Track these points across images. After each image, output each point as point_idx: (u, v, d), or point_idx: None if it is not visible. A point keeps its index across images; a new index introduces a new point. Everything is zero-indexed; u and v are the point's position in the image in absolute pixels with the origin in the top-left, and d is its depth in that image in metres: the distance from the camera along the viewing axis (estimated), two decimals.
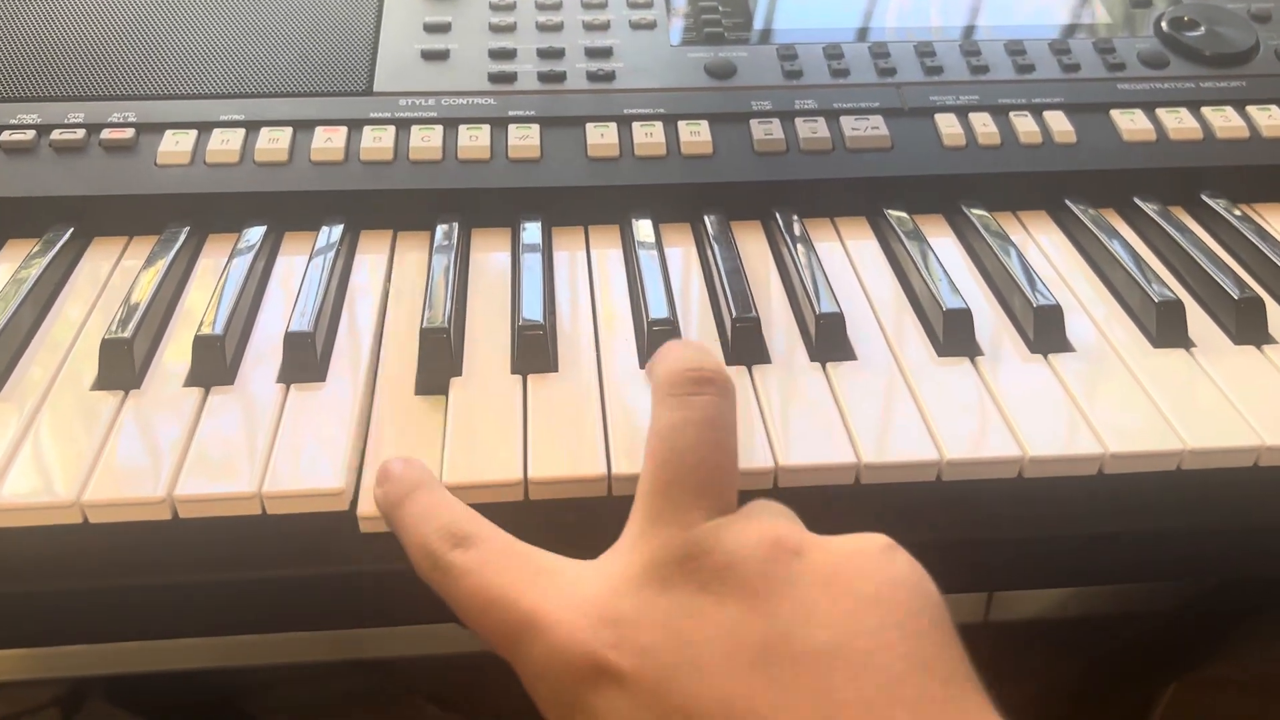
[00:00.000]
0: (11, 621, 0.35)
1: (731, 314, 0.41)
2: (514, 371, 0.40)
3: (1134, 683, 0.94)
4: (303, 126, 0.50)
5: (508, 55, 0.54)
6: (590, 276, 0.46)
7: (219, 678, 1.12)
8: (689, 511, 0.28)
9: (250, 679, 1.14)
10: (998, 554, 0.38)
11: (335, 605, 0.36)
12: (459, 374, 0.40)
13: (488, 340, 0.41)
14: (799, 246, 0.46)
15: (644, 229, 0.47)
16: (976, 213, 0.49)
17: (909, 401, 0.39)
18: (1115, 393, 0.39)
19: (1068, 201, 0.51)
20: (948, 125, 0.52)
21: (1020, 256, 0.46)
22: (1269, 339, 0.43)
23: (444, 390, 0.39)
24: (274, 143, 0.49)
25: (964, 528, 0.37)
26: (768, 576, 0.26)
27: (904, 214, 0.49)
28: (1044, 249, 0.49)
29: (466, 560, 0.29)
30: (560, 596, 0.28)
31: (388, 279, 0.46)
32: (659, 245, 0.46)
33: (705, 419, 0.30)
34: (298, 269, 0.45)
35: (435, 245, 0.46)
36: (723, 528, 0.28)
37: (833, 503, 0.36)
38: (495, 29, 0.56)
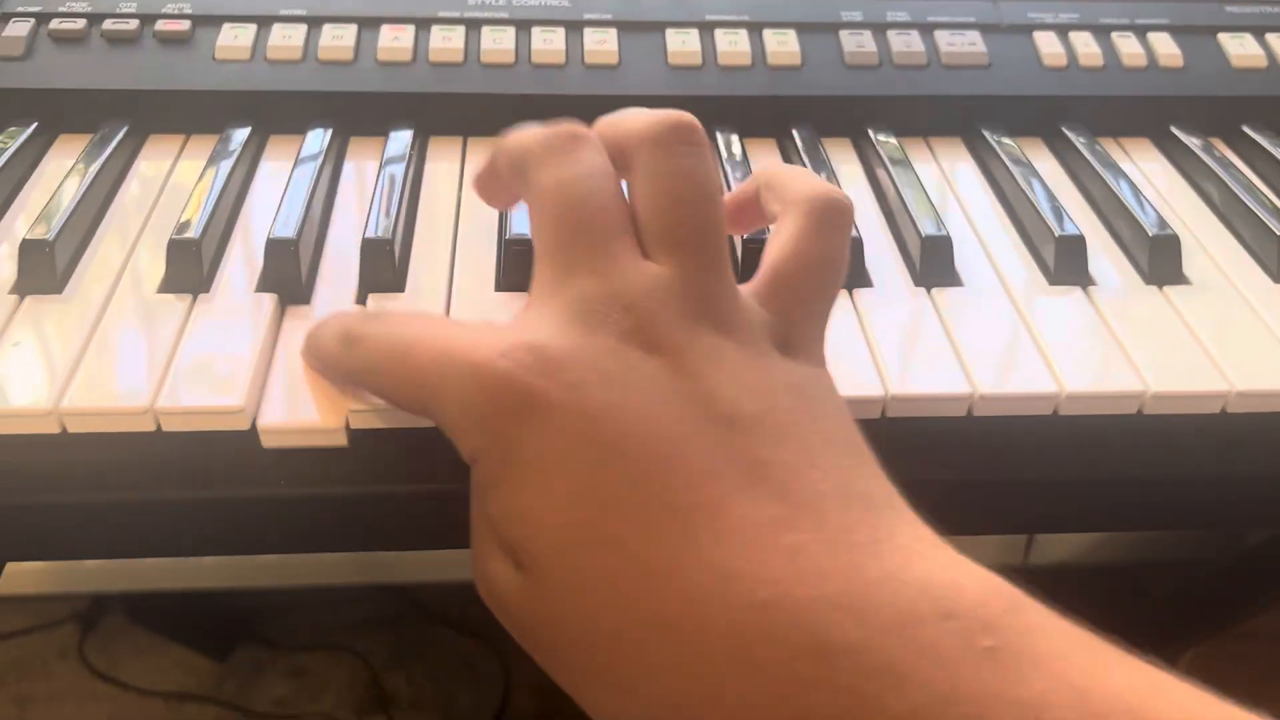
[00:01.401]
0: (88, 532, 0.33)
1: None
2: None
3: (1168, 632, 0.94)
4: (368, 24, 0.47)
5: None
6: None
7: (237, 599, 1.12)
8: (599, 262, 0.26)
9: (268, 601, 1.14)
10: (1117, 494, 0.36)
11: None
12: None
13: None
14: (896, 166, 0.44)
15: (729, 143, 0.45)
16: (1080, 137, 0.47)
17: (1023, 332, 0.37)
18: (1237, 329, 0.37)
19: (1173, 129, 0.48)
20: (1048, 45, 0.49)
21: (1131, 185, 0.43)
22: None
23: None
24: (338, 40, 0.46)
25: (1080, 466, 0.35)
26: (693, 339, 0.25)
27: (1006, 136, 0.46)
28: (1148, 176, 0.46)
29: (376, 326, 0.28)
30: (478, 334, 0.26)
31: (459, 187, 0.43)
32: (745, 161, 0.44)
33: (589, 170, 0.28)
34: (367, 174, 0.43)
35: None
36: (643, 284, 0.26)
37: (942, 437, 0.34)
38: None
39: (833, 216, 0.29)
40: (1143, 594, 1.02)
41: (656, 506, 0.23)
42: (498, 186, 0.32)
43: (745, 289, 0.28)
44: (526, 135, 0.29)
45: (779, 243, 0.29)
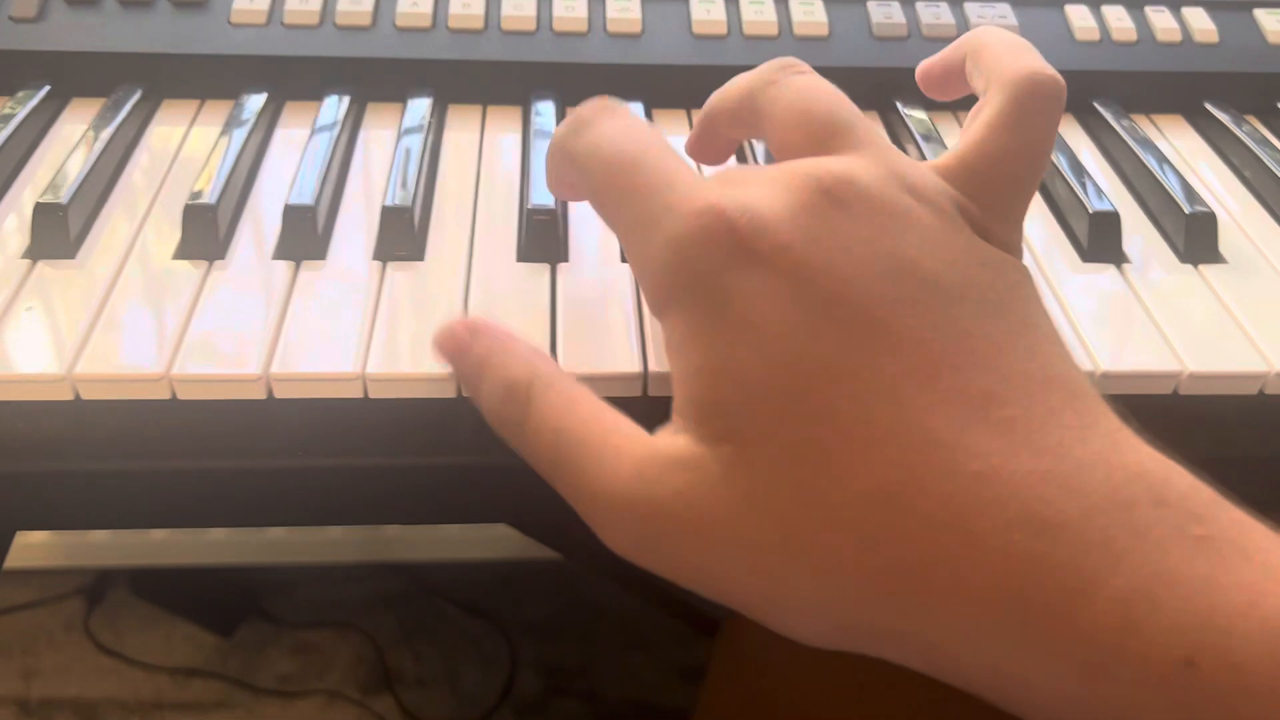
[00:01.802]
0: (101, 501, 0.32)
1: None
2: (624, 260, 0.37)
3: None
4: None
5: None
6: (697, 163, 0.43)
7: (242, 575, 1.12)
8: (832, 149, 0.27)
9: (274, 578, 1.14)
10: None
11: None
12: (565, 260, 0.37)
13: (593, 226, 0.38)
14: (927, 142, 0.43)
15: None
16: (1112, 113, 0.46)
17: (1057, 310, 0.36)
18: (1275, 309, 0.36)
19: (1207, 105, 0.47)
20: (1080, 18, 0.48)
21: (1165, 161, 0.42)
22: None
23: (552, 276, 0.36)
24: (356, 5, 0.45)
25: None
26: (890, 200, 0.25)
27: None
28: (1181, 153, 0.45)
29: (609, 121, 0.28)
30: (700, 180, 0.25)
31: (480, 156, 0.42)
32: None
33: (817, 84, 0.28)
34: (385, 142, 0.42)
35: (533, 127, 0.43)
36: (857, 159, 0.26)
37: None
38: None
39: (1041, 102, 0.28)
40: None
41: (868, 373, 0.22)
42: (716, 139, 0.34)
43: (937, 167, 0.27)
44: (742, 77, 0.31)
45: (978, 125, 0.28)
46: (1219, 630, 0.20)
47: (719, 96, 0.32)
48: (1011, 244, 0.27)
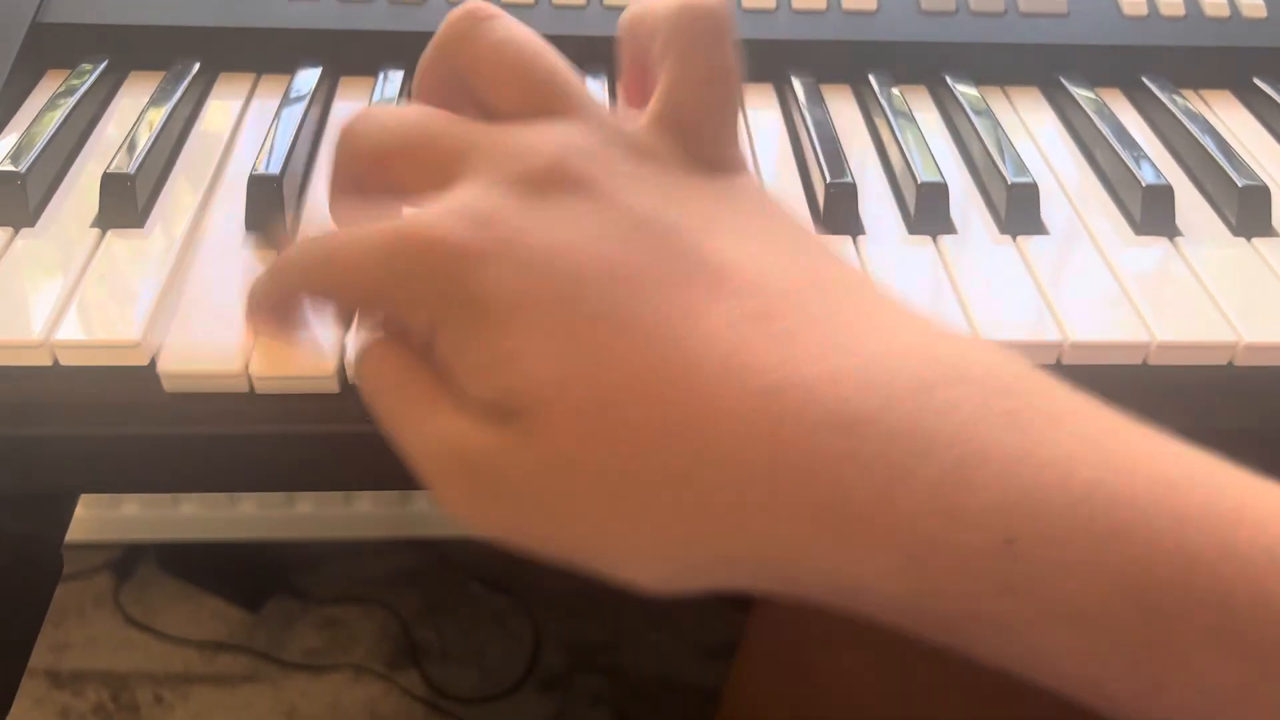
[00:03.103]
0: (170, 465, 0.33)
1: (916, 180, 0.39)
2: None
3: None
4: None
5: None
6: (749, 138, 0.43)
7: (269, 550, 1.13)
8: (537, 112, 0.26)
9: (301, 553, 1.15)
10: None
11: None
12: None
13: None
14: (978, 116, 0.43)
15: (808, 89, 0.44)
16: (1161, 88, 0.46)
17: (1111, 281, 0.36)
18: None
19: (1256, 80, 0.47)
20: None
21: (1216, 136, 0.42)
22: None
23: None
24: None
25: (1166, 418, 0.35)
26: (612, 169, 0.25)
27: (1085, 85, 0.46)
28: (1230, 128, 0.45)
29: (290, 252, 0.27)
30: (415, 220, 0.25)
31: None
32: (823, 103, 0.43)
33: (520, 32, 0.28)
34: None
35: None
36: (577, 125, 0.26)
37: None
38: None
39: (700, 25, 0.27)
40: None
41: (638, 324, 0.22)
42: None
43: (642, 123, 0.27)
44: (434, 40, 0.29)
45: (662, 75, 0.27)
46: (1035, 505, 0.20)
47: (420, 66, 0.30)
48: (735, 162, 0.27)
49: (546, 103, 0.26)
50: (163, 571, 1.14)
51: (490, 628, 1.11)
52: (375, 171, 0.27)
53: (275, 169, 0.37)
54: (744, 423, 0.21)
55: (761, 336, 0.22)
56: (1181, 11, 0.47)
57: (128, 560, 1.14)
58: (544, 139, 0.25)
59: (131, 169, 0.36)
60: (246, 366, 0.31)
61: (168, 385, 0.31)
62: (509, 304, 0.23)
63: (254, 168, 0.37)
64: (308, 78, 0.43)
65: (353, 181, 0.28)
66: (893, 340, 0.22)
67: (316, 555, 1.16)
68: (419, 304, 0.24)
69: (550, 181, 0.24)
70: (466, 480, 0.24)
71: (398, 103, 0.42)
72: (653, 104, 0.27)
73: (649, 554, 0.23)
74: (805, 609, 0.54)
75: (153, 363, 0.31)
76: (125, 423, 0.32)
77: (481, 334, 0.23)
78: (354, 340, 0.29)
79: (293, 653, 1.09)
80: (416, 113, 0.27)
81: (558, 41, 0.45)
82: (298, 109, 0.41)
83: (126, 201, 0.36)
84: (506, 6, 0.45)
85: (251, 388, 0.31)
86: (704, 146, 0.27)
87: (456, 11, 0.28)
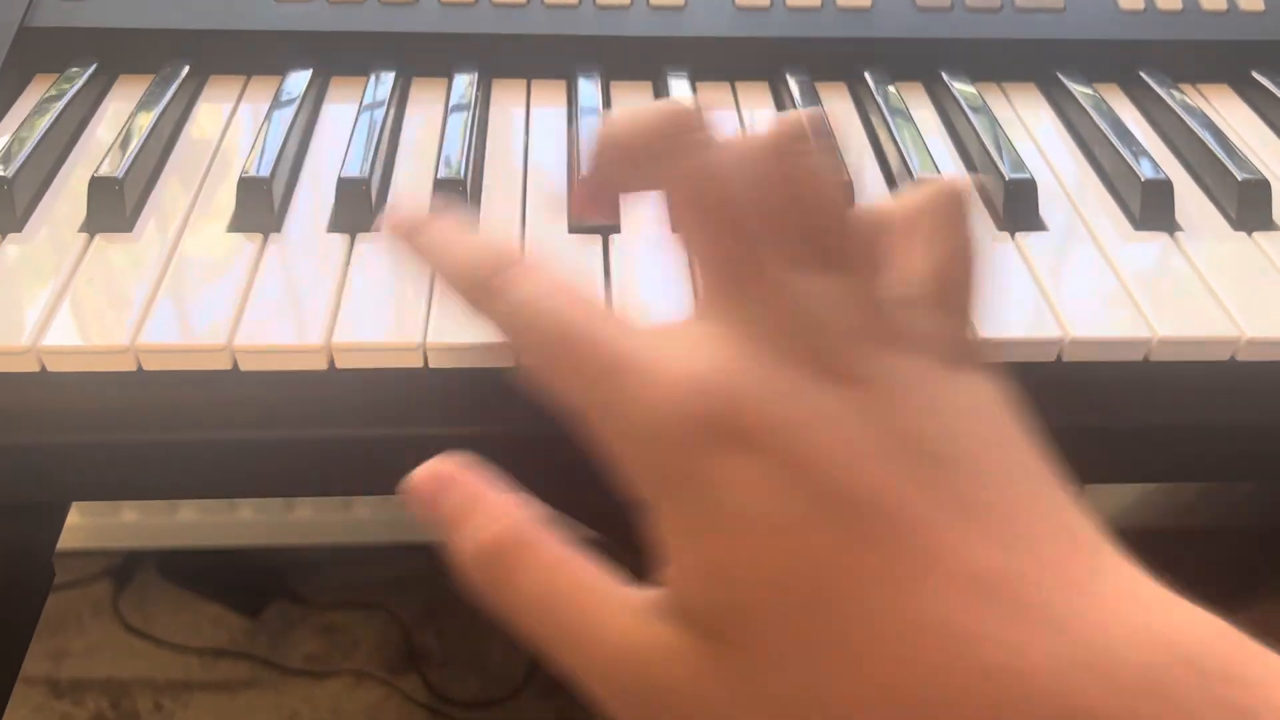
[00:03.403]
0: (166, 470, 0.33)
1: (913, 178, 0.38)
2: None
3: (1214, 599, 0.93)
4: None
5: None
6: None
7: (268, 556, 1.12)
8: (765, 272, 0.23)
9: (299, 558, 1.14)
10: (1201, 441, 0.35)
11: None
12: (618, 231, 0.37)
13: (640, 199, 0.38)
14: (975, 112, 0.42)
15: (802, 86, 0.44)
16: (1158, 82, 0.45)
17: (1111, 277, 0.36)
18: None
19: (1255, 73, 0.47)
20: None
21: (1215, 130, 0.42)
22: None
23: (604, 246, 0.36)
24: None
25: (1168, 413, 0.34)
26: (880, 368, 0.23)
27: (1083, 81, 0.45)
28: (1229, 122, 0.45)
29: (531, 283, 0.24)
30: (655, 348, 0.23)
31: (526, 129, 0.43)
32: (818, 100, 0.43)
33: (732, 161, 0.24)
34: (433, 116, 0.42)
35: (579, 103, 0.43)
36: (820, 304, 0.23)
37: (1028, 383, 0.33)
38: None
39: (963, 203, 0.26)
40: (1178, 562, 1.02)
41: (874, 561, 0.21)
42: (607, 186, 0.27)
43: (913, 299, 0.25)
44: (646, 114, 0.25)
45: (921, 249, 0.26)
46: None
47: (619, 131, 0.25)
48: (976, 345, 0.25)
49: (826, 253, 0.24)
50: (162, 578, 1.13)
51: (491, 632, 1.11)
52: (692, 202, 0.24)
53: (265, 171, 0.37)
54: (966, 704, 0.20)
55: (994, 600, 0.20)
56: (1179, 5, 0.47)
57: (126, 567, 1.14)
58: (818, 304, 0.23)
59: (119, 173, 0.36)
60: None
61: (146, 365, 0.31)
62: (744, 513, 0.21)
63: (244, 169, 0.37)
64: (298, 80, 0.43)
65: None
66: (1129, 616, 0.21)
67: (316, 560, 1.16)
68: (649, 467, 0.22)
69: (824, 360, 0.22)
70: (652, 707, 0.22)
71: (385, 109, 0.42)
72: (925, 283, 0.25)
73: None
74: None
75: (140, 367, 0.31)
76: (117, 429, 0.31)
77: (704, 533, 0.21)
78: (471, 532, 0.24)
79: (293, 658, 1.08)
80: (744, 156, 0.24)
81: (551, 41, 0.45)
82: (288, 111, 0.40)
83: (115, 205, 0.36)
84: (496, 6, 0.45)
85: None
86: (967, 329, 0.25)
87: (783, 120, 0.24)
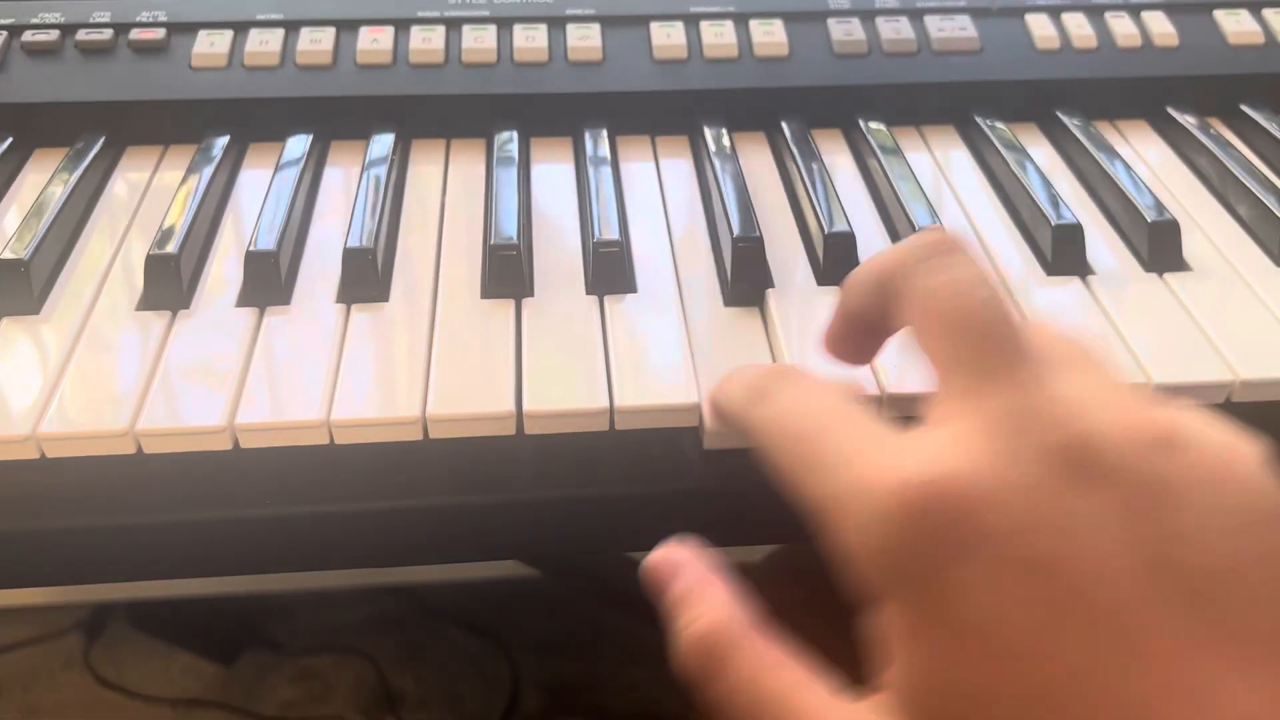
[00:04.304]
0: (62, 556, 0.32)
1: (824, 229, 0.38)
2: (589, 292, 0.37)
3: None
4: (346, 27, 0.46)
5: None
6: (661, 190, 0.43)
7: (241, 603, 1.12)
8: (1017, 370, 0.22)
9: (273, 604, 1.14)
10: None
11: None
12: (530, 295, 0.37)
13: (559, 259, 0.38)
14: (888, 155, 0.43)
15: (718, 137, 0.44)
16: (1074, 121, 0.46)
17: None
18: (1240, 316, 0.36)
19: (1170, 109, 0.47)
20: (1040, 27, 0.48)
21: (1128, 169, 0.42)
22: None
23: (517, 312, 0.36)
24: (316, 44, 0.45)
25: None
26: (1144, 471, 0.21)
27: (999, 122, 0.45)
28: (1145, 159, 0.45)
29: (786, 391, 0.26)
30: (887, 449, 0.22)
31: (444, 191, 0.43)
32: (734, 155, 0.43)
33: (980, 277, 0.24)
34: (349, 179, 0.42)
35: (496, 157, 0.43)
36: (1079, 398, 0.22)
37: None
38: None
39: (934, 252, 0.25)
40: None
41: (1123, 690, 0.19)
42: (857, 332, 0.28)
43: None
44: (888, 253, 0.26)
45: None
46: None
47: (852, 280, 0.27)
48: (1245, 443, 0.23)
49: (1006, 365, 0.23)
50: (133, 629, 1.12)
51: (468, 672, 1.10)
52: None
53: (174, 248, 0.36)
54: None
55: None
56: (1094, 43, 0.47)
57: (97, 619, 1.13)
58: (1061, 409, 0.21)
59: (26, 255, 0.36)
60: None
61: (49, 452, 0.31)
62: (977, 622, 0.20)
63: (151, 246, 0.37)
64: (217, 146, 0.43)
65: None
66: None
67: (289, 605, 1.15)
68: (878, 568, 0.22)
69: (1070, 456, 0.21)
70: None
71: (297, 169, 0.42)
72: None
73: None
74: None
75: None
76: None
77: (935, 635, 0.21)
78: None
79: (269, 706, 1.07)
80: (986, 272, 0.24)
81: (470, 101, 0.45)
82: (204, 177, 0.40)
83: (21, 288, 0.35)
84: (413, 67, 0.45)
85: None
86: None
87: (919, 238, 0.25)
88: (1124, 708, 0.19)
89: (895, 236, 0.40)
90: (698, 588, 0.26)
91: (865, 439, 0.23)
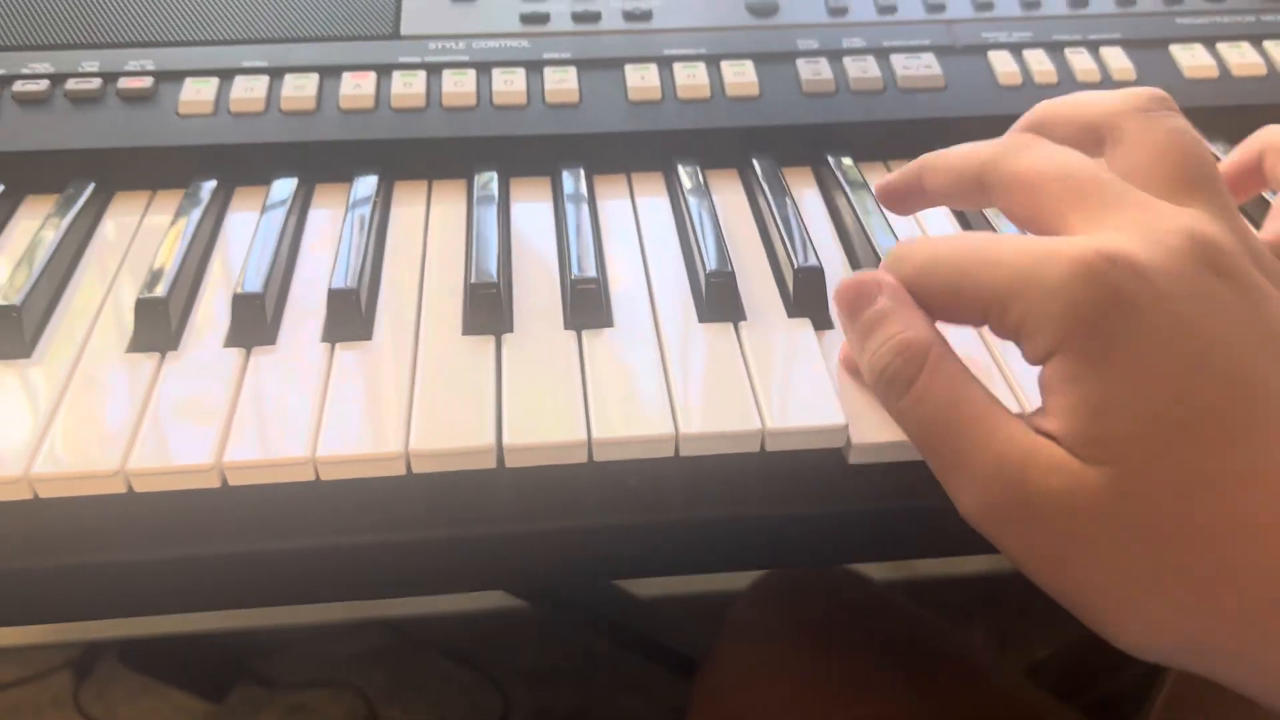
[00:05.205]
0: (55, 594, 0.33)
1: (794, 263, 0.40)
2: (568, 327, 0.38)
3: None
4: (329, 73, 0.47)
5: None
6: (637, 226, 0.44)
7: (231, 639, 1.12)
8: (1194, 200, 0.28)
9: (262, 640, 1.14)
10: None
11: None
12: (510, 330, 0.38)
13: (537, 296, 0.40)
14: (855, 189, 0.44)
15: (693, 175, 0.45)
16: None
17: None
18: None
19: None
20: (1002, 64, 0.49)
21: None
22: None
23: (497, 347, 0.37)
24: (300, 90, 0.46)
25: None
26: (1249, 270, 0.27)
27: None
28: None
29: (931, 246, 0.30)
30: (1054, 241, 0.27)
31: (425, 231, 0.44)
32: (708, 192, 0.44)
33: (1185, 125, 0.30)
34: (334, 221, 0.43)
35: (476, 197, 0.44)
36: (1236, 226, 0.28)
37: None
38: None
39: (1149, 105, 0.31)
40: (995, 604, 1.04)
41: (1244, 420, 0.25)
42: (915, 195, 0.35)
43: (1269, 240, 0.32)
44: (980, 145, 0.32)
45: None
46: None
47: (942, 158, 0.33)
48: None
49: (1197, 188, 0.29)
50: (123, 667, 1.12)
51: (458, 702, 1.10)
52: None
53: (163, 291, 0.37)
54: None
55: None
56: (1055, 79, 0.49)
57: (87, 658, 1.13)
58: (1198, 223, 0.27)
59: (17, 300, 0.37)
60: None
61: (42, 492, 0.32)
62: (1134, 362, 0.25)
63: (140, 290, 0.38)
64: (204, 191, 0.44)
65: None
66: None
67: (278, 641, 1.15)
68: (1055, 320, 0.26)
69: (1205, 255, 0.26)
70: (1021, 502, 0.26)
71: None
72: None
73: (1165, 626, 0.26)
74: (743, 682, 0.54)
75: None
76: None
77: (1096, 374, 0.26)
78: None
79: None
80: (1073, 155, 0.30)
81: (450, 143, 0.46)
82: (192, 221, 0.42)
83: (12, 332, 0.36)
84: (395, 111, 0.46)
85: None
86: None
87: (1154, 90, 0.32)
88: (1245, 433, 0.25)
89: (858, 267, 0.41)
90: (904, 306, 0.30)
91: (1034, 239, 0.27)
